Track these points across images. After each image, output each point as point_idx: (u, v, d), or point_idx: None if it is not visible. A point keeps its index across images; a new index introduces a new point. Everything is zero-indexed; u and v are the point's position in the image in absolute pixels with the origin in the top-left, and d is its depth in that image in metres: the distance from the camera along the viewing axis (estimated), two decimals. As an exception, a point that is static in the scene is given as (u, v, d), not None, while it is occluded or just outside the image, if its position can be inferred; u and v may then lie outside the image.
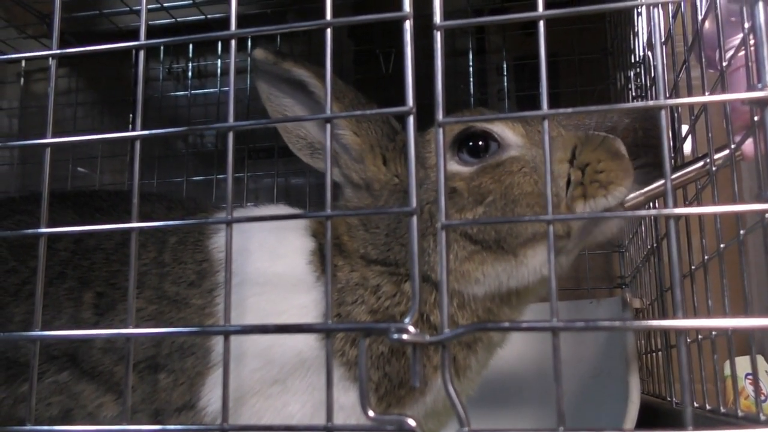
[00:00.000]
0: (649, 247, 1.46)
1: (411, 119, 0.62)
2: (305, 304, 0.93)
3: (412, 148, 0.62)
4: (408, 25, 0.63)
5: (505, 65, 2.09)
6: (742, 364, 1.31)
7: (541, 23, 0.61)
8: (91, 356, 0.92)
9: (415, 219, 0.61)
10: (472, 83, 2.11)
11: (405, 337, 0.59)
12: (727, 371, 1.40)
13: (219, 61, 2.19)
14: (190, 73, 2.22)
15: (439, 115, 0.63)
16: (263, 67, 1.02)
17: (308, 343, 0.90)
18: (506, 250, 0.92)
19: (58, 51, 0.69)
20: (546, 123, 0.61)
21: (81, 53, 0.70)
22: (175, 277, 0.96)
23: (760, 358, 1.64)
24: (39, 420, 0.90)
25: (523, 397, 1.54)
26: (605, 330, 0.56)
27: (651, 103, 0.60)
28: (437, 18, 0.63)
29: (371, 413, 0.60)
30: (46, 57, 0.70)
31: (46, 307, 0.95)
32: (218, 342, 0.89)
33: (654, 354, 1.48)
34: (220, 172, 2.08)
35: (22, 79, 2.23)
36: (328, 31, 0.65)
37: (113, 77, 2.19)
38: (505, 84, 2.09)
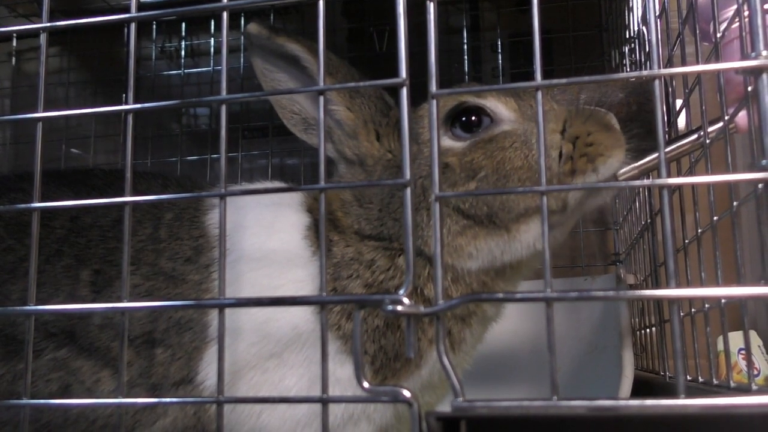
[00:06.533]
0: (643, 223, 1.47)
1: (404, 91, 0.62)
2: (301, 278, 0.93)
3: (405, 120, 0.62)
4: (401, -7, 0.62)
5: (499, 43, 2.07)
6: (736, 339, 1.32)
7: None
8: (88, 333, 0.93)
9: (409, 191, 0.61)
10: (466, 61, 2.10)
11: (399, 308, 0.60)
12: (721, 346, 1.42)
13: (212, 40, 2.17)
14: (183, 52, 2.21)
15: (433, 87, 0.63)
16: (257, 42, 1.02)
17: (304, 317, 0.91)
18: (498, 225, 0.92)
19: (48, 24, 0.69)
20: (539, 94, 0.61)
21: (71, 27, 0.70)
22: (171, 253, 0.96)
23: (753, 333, 1.65)
24: (39, 396, 0.91)
25: (519, 375, 1.55)
26: (598, 300, 0.56)
27: (645, 72, 0.59)
28: (430, -12, 0.63)
29: (366, 384, 0.61)
30: (36, 31, 0.70)
31: (44, 284, 0.95)
32: (215, 317, 0.90)
33: (648, 330, 1.49)
34: (213, 151, 2.08)
35: (13, 59, 2.21)
36: (321, 4, 0.65)
37: (105, 56, 2.17)
38: (500, 62, 2.08)
